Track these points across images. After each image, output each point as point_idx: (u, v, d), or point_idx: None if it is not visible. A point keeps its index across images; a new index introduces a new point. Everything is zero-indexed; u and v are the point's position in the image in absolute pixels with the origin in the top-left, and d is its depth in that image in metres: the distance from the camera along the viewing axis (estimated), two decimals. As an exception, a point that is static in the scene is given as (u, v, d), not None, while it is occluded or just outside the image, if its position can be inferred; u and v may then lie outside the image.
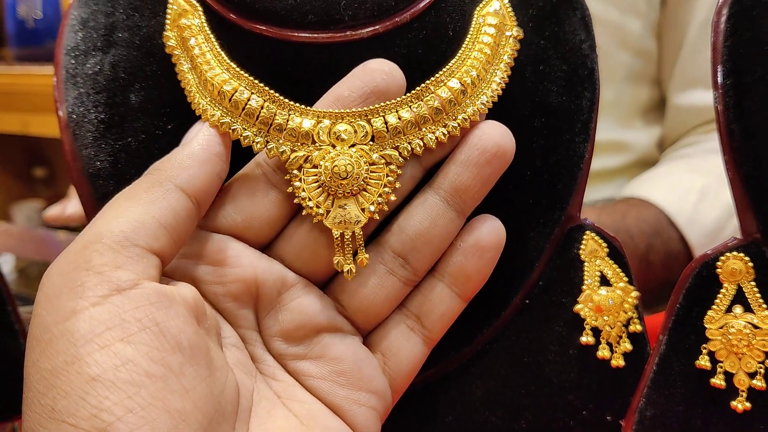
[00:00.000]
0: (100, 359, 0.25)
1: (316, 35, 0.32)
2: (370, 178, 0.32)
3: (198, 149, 0.31)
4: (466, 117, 0.32)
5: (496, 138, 0.32)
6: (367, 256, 0.32)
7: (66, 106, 0.36)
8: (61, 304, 0.26)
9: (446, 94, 0.32)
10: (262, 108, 0.32)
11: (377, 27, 0.33)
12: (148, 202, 0.29)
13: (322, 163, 0.31)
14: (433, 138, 0.32)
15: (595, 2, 0.75)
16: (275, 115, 0.32)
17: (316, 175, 0.31)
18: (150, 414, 0.25)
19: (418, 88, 0.32)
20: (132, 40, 0.35)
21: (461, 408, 0.37)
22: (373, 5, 0.32)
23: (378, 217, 0.32)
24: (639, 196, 0.71)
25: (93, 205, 0.35)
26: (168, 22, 0.34)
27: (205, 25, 0.34)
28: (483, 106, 0.33)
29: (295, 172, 0.32)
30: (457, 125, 0.32)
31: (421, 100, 0.32)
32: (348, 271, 0.32)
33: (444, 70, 0.33)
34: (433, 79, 0.32)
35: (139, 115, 0.35)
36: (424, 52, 0.33)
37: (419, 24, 0.33)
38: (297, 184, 0.31)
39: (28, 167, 1.53)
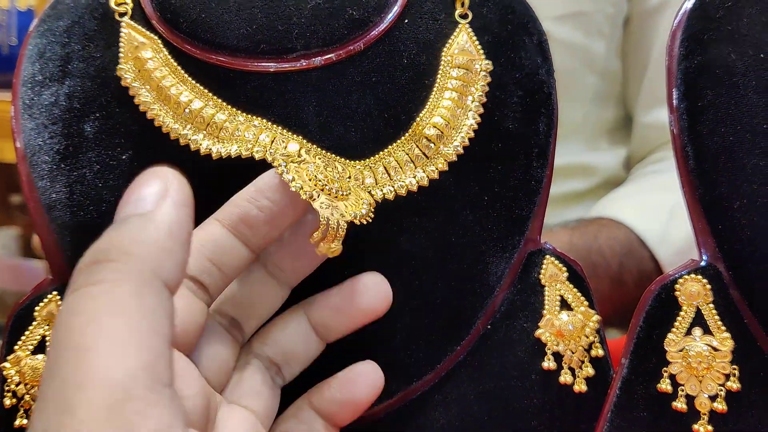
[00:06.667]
0: None
1: (269, 64, 0.32)
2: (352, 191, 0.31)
3: (176, 227, 0.23)
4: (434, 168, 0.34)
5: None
6: (341, 247, 0.30)
7: (23, 137, 0.36)
8: None
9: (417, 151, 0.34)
10: (248, 129, 0.32)
11: (331, 56, 0.33)
12: (147, 319, 0.21)
13: (314, 161, 0.31)
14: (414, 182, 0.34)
15: (560, 26, 0.76)
16: (258, 136, 0.32)
17: (308, 170, 0.30)
18: None
19: (398, 142, 0.34)
20: (87, 71, 0.35)
21: (424, 436, 0.36)
22: (325, 34, 0.32)
23: (364, 221, 0.31)
24: (610, 216, 0.71)
25: (50, 236, 0.35)
26: (121, 55, 0.34)
27: (169, 56, 0.34)
28: (452, 153, 0.34)
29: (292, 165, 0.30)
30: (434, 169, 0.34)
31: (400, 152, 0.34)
32: (332, 251, 0.30)
33: (414, 125, 0.34)
34: (400, 141, 0.34)
35: (94, 146, 0.34)
36: (379, 79, 0.34)
37: (373, 52, 0.34)
38: (292, 171, 0.30)
39: (4, 194, 1.52)
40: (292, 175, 0.29)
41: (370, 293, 0.33)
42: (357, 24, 0.33)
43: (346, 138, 0.33)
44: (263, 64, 0.32)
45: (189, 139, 0.33)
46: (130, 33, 0.34)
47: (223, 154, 0.32)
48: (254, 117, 0.33)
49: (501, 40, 0.36)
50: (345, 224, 0.30)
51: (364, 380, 0.32)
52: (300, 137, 0.33)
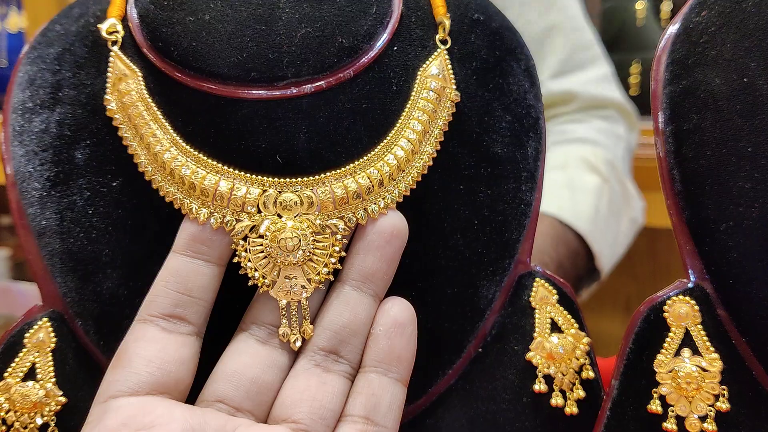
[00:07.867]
0: None
1: (260, 92, 0.33)
2: (315, 249, 0.32)
3: None
4: (400, 191, 0.33)
5: (389, 219, 0.33)
6: (311, 326, 0.32)
7: (13, 163, 0.36)
8: None
9: (386, 169, 0.33)
10: (204, 179, 0.32)
11: (321, 83, 0.33)
12: None
13: (267, 234, 0.31)
14: (376, 209, 0.33)
15: None
16: (218, 184, 0.32)
17: (261, 245, 0.32)
18: None
19: (360, 161, 0.33)
20: (78, 98, 0.35)
21: (417, 460, 0.36)
22: (315, 62, 0.33)
23: (323, 287, 0.33)
24: None
25: (40, 262, 0.35)
26: (108, 84, 0.35)
27: (145, 91, 0.34)
28: (412, 181, 0.34)
29: (241, 242, 0.32)
30: (393, 198, 0.33)
31: (365, 171, 0.33)
32: (294, 341, 0.32)
33: (383, 143, 0.33)
34: (372, 154, 0.33)
35: (84, 173, 0.35)
36: (369, 105, 0.34)
37: (363, 79, 0.34)
38: (243, 254, 0.32)
39: (-6, 216, 1.51)
40: (252, 265, 0.32)
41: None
42: (347, 51, 0.33)
43: (336, 164, 0.33)
44: (254, 91, 0.33)
45: (158, 185, 0.33)
46: (116, 62, 0.35)
47: (184, 210, 0.32)
48: (217, 164, 0.32)
49: (489, 67, 0.37)
50: (306, 302, 0.32)
51: None
52: (261, 176, 0.32)
